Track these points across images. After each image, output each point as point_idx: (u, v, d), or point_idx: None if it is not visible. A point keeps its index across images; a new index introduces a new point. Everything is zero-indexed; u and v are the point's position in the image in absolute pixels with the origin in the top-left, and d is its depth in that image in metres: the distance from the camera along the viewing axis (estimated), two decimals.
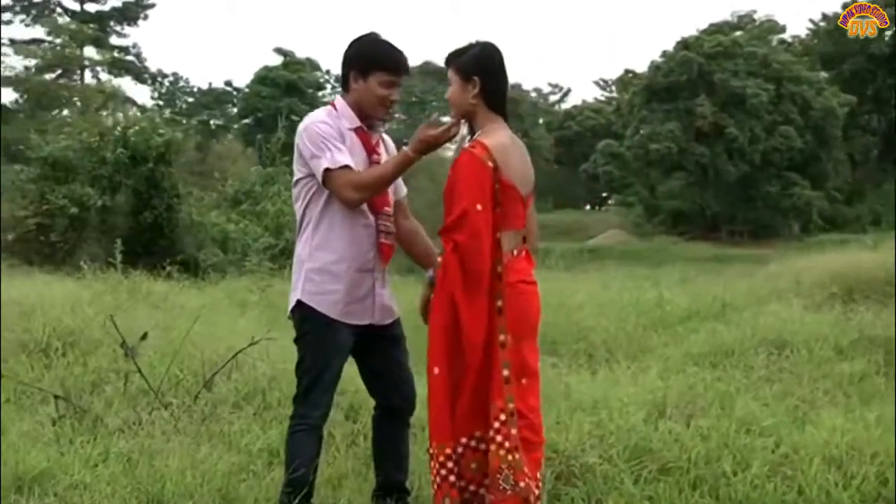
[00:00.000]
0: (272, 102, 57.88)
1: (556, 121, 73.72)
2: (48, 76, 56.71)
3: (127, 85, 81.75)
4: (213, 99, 72.00)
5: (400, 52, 4.12)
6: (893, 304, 9.47)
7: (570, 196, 69.53)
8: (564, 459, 4.91)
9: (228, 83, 72.07)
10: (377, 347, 4.19)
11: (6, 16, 60.99)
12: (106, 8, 61.90)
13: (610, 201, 70.18)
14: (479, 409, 3.74)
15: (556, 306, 9.69)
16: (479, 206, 3.68)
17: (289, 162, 6.14)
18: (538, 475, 3.82)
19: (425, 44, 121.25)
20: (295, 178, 4.17)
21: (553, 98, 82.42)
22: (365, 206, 4.04)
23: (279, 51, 62.61)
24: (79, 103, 51.59)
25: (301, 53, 64.40)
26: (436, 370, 3.73)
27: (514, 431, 3.69)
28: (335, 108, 4.11)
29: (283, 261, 21.29)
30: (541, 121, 73.69)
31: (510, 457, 3.67)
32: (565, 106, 79.38)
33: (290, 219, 22.50)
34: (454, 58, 3.94)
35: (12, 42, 59.53)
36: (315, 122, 4.03)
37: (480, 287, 3.69)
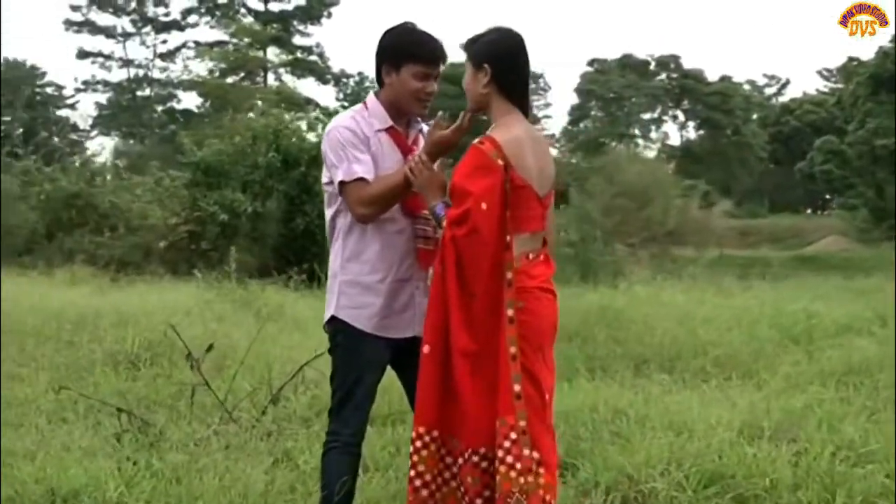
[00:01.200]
0: (454, 102, 57.94)
1: (771, 115, 71.47)
2: (231, 79, 59.35)
3: (310, 86, 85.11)
4: None
5: (435, 41, 4.06)
6: None
7: (788, 198, 67.37)
8: (631, 484, 4.90)
9: None
10: (413, 361, 4.05)
11: (192, 18, 64.47)
12: (290, 7, 64.28)
13: (833, 204, 67.47)
14: (483, 422, 3.68)
15: (680, 319, 9.60)
16: (483, 205, 3.64)
17: None
18: (552, 500, 3.76)
19: (625, 35, 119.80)
20: (323, 183, 4.17)
21: (769, 91, 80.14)
22: (397, 210, 4.01)
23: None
24: (260, 103, 53.62)
25: None
26: (426, 348, 3.74)
27: (526, 452, 3.63)
28: (366, 108, 4.08)
29: None
30: (754, 116, 71.59)
31: (522, 479, 3.61)
32: (783, 99, 77.02)
33: None
34: (468, 45, 3.92)
35: (197, 45, 62.94)
36: (337, 128, 4.00)
37: (475, 291, 3.67)
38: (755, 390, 7.63)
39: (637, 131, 70.76)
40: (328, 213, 4.13)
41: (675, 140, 73.32)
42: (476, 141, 3.78)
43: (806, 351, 9.01)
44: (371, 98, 4.10)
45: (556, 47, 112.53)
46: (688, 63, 70.50)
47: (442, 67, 4.06)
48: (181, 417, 6.51)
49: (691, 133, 73.20)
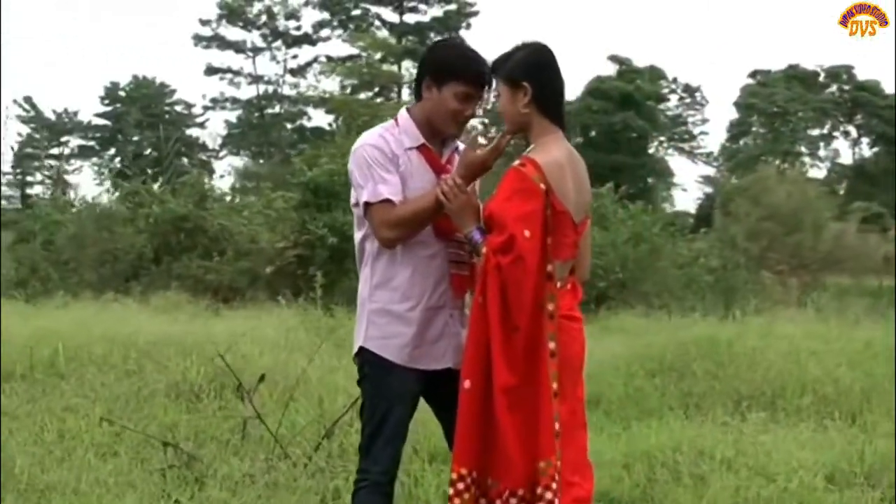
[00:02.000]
0: (604, 118, 58.23)
1: None
2: (363, 95, 60.32)
3: None
4: None
5: (484, 63, 4.10)
6: None
7: None
8: None
9: None
10: (451, 394, 4.05)
11: (325, 32, 65.81)
12: (426, 18, 65.01)
13: None
14: (522, 462, 3.71)
15: (790, 353, 9.52)
16: (526, 233, 3.68)
17: None
18: None
19: (791, 43, 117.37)
20: (351, 205, 4.22)
21: None
22: (429, 233, 4.03)
23: (614, 59, 62.96)
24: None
25: (641, 61, 64.32)
26: (467, 384, 3.75)
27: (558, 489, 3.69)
28: (397, 124, 4.12)
29: None
30: None
31: None
32: None
33: None
34: (500, 65, 3.98)
35: (329, 59, 64.18)
36: (364, 146, 4.04)
37: (519, 325, 3.69)
38: (859, 432, 7.56)
39: (804, 149, 69.17)
40: (357, 236, 4.17)
41: (846, 158, 71.43)
42: (516, 163, 3.82)
43: None
44: (403, 114, 4.16)
45: (714, 58, 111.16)
46: (862, 74, 68.62)
47: (486, 93, 4.14)
48: (233, 452, 6.65)
49: (865, 150, 71.20)
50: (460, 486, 3.75)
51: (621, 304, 19.43)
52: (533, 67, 3.90)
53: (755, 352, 9.81)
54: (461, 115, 4.06)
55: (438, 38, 65.27)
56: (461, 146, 4.20)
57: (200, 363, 8.65)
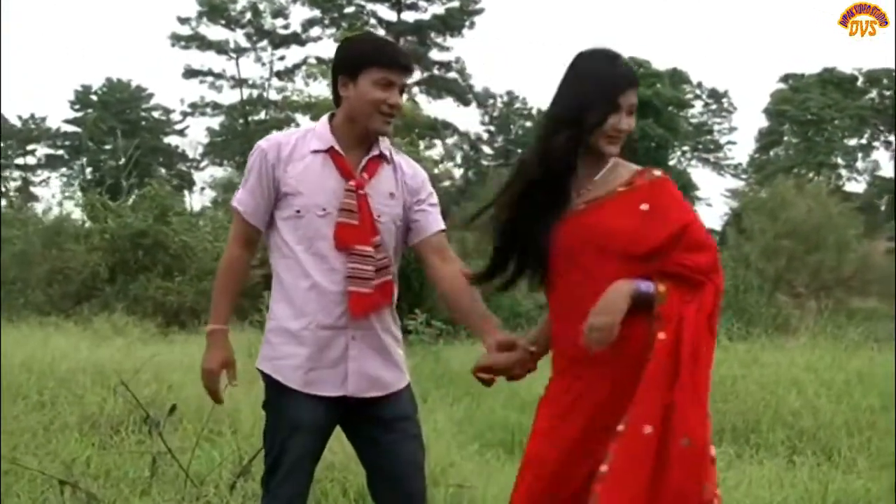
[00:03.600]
0: None
1: None
2: None
3: (448, 108, 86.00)
4: None
5: (396, 46, 4.13)
6: None
7: None
8: None
9: None
10: (363, 431, 4.11)
11: (315, 31, 66.00)
12: (426, 16, 65.19)
13: None
14: None
15: (770, 383, 9.59)
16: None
17: None
18: None
19: (826, 45, 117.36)
20: None
21: None
22: (329, 245, 3.99)
23: (632, 61, 62.76)
24: None
25: (662, 63, 64.41)
26: (648, 429, 3.48)
27: None
28: (314, 129, 4.14)
29: None
30: None
31: None
32: None
33: None
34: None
35: (319, 61, 64.33)
36: (258, 145, 4.13)
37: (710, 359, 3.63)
38: (832, 468, 7.63)
39: (840, 160, 69.24)
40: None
41: (887, 170, 71.39)
42: (658, 174, 3.72)
43: None
44: (322, 119, 4.17)
45: (742, 61, 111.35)
46: None
47: (408, 79, 4.09)
48: (142, 492, 6.68)
49: None
50: None
51: None
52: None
53: (734, 381, 9.87)
54: (383, 103, 3.98)
55: (439, 38, 65.78)
56: (401, 161, 4.20)
57: (122, 393, 8.63)
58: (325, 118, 4.14)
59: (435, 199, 4.25)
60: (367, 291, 3.99)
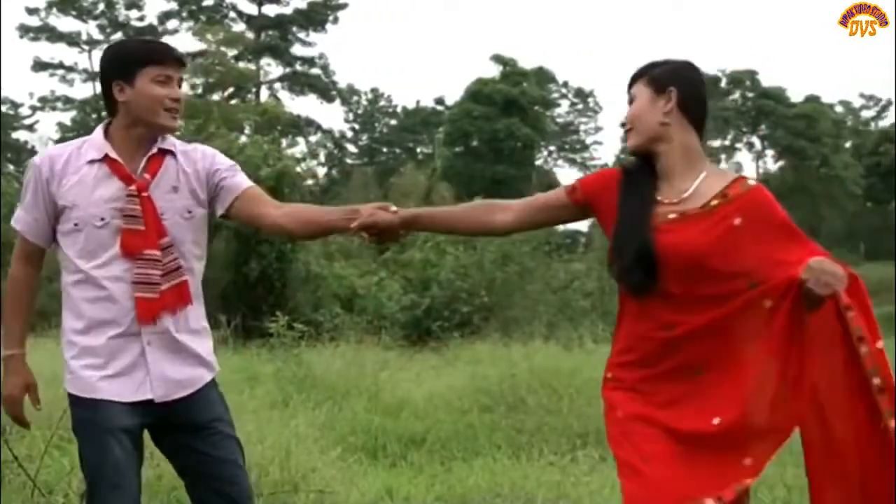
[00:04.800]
0: (486, 124, 58.49)
1: (868, 144, 70.98)
2: (216, 96, 59.89)
3: (311, 105, 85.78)
4: (420, 121, 73.91)
5: (164, 42, 4.19)
6: None
7: (886, 243, 66.86)
8: None
9: (440, 101, 73.92)
10: (176, 439, 4.11)
11: (172, 23, 65.26)
12: (288, 10, 64.96)
13: None
14: None
15: None
16: None
17: None
18: None
19: (690, 46, 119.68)
20: None
21: (866, 114, 79.88)
22: (112, 255, 3.97)
23: (498, 59, 63.37)
24: (247, 129, 54.13)
25: (528, 62, 64.95)
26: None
27: None
28: (89, 140, 4.12)
29: (428, 322, 21.88)
30: (847, 144, 71.21)
31: None
32: (883, 124, 76.58)
33: (438, 270, 22.98)
34: (645, 69, 3.93)
35: None
36: (36, 159, 4.10)
37: None
38: None
39: None
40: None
41: (749, 171, 73.01)
42: (752, 182, 3.72)
43: None
44: (97, 129, 4.14)
45: (608, 60, 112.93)
46: (767, 80, 70.41)
47: (184, 72, 4.11)
48: None
49: (770, 164, 72.92)
50: None
51: (488, 331, 19.56)
52: (681, 73, 3.86)
53: (598, 384, 9.95)
54: (168, 99, 3.99)
55: (302, 33, 65.53)
56: (177, 145, 4.14)
57: None
58: (100, 127, 4.13)
59: (237, 167, 4.24)
60: (154, 297, 3.99)
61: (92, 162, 4.02)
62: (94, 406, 3.95)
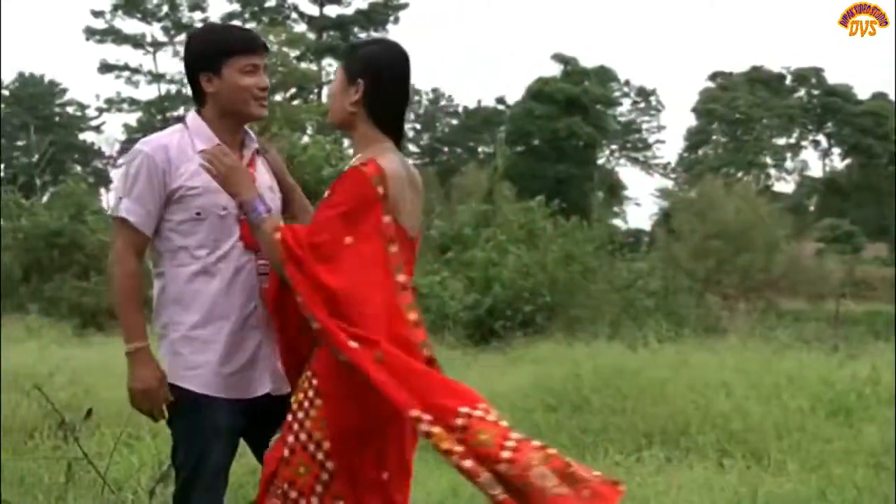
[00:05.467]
0: (547, 123, 58.43)
1: None
2: (278, 96, 60.13)
3: None
4: (482, 120, 73.86)
5: (246, 28, 4.11)
6: None
7: None
8: None
9: (501, 100, 73.89)
10: (263, 431, 4.00)
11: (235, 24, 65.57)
12: (349, 11, 65.17)
13: None
14: None
15: (700, 385, 9.69)
16: (348, 239, 3.66)
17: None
18: None
19: (755, 43, 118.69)
20: None
21: None
22: (234, 245, 3.96)
23: (559, 58, 63.34)
24: (309, 129, 54.26)
25: (589, 61, 64.76)
26: None
27: None
28: (187, 127, 4.05)
29: (491, 322, 21.85)
30: None
31: None
32: None
33: (501, 269, 22.94)
34: (346, 51, 4.00)
35: None
36: (139, 152, 3.98)
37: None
38: (761, 471, 7.75)
39: (769, 159, 70.06)
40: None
41: (816, 170, 72.37)
42: (357, 163, 3.76)
43: (845, 425, 8.99)
44: (192, 115, 4.08)
45: (671, 58, 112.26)
46: (832, 77, 69.87)
47: (266, 59, 4.06)
48: (57, 499, 6.61)
49: (836, 162, 72.18)
50: None
51: (551, 331, 19.51)
52: (374, 67, 3.86)
53: (663, 383, 9.96)
54: (256, 88, 3.97)
55: (362, 33, 65.65)
56: (273, 152, 4.20)
57: (37, 397, 8.54)
58: (193, 115, 4.09)
59: None
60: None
61: (203, 151, 3.95)
62: (209, 403, 3.94)
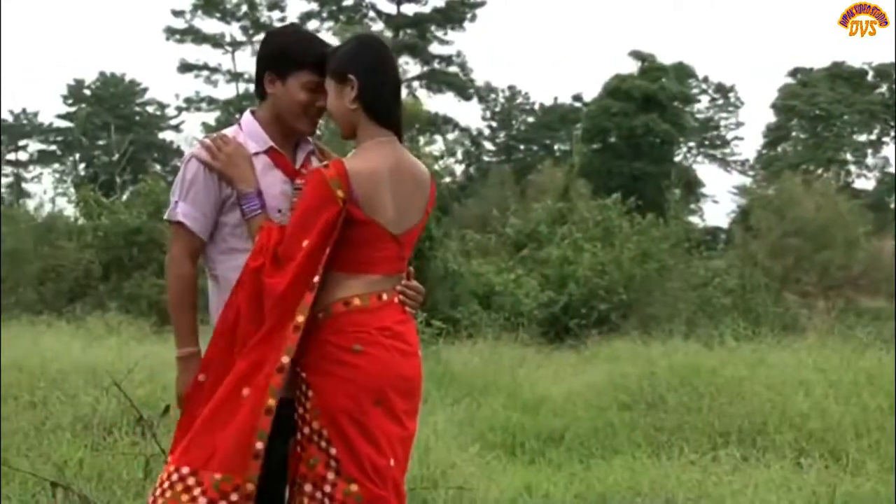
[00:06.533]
0: (624, 120, 57.98)
1: None
2: None
3: (449, 103, 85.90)
4: (558, 118, 73.58)
5: (324, 44, 4.10)
6: None
7: None
8: None
9: (578, 97, 73.48)
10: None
11: (313, 24, 65.95)
12: (426, 9, 65.13)
13: None
14: None
15: (777, 384, 9.63)
16: (305, 243, 3.75)
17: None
18: None
19: (835, 39, 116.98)
20: None
21: None
22: None
23: (636, 55, 62.88)
24: None
25: (667, 58, 64.24)
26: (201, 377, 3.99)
27: None
28: (241, 128, 4.11)
29: (566, 320, 21.82)
30: None
31: None
32: None
33: (576, 267, 22.89)
34: (329, 59, 3.98)
35: None
36: (195, 155, 4.03)
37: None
38: (839, 471, 7.69)
39: (850, 156, 69.08)
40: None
41: None
42: (322, 164, 3.86)
43: None
44: (247, 116, 4.15)
45: (750, 55, 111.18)
46: None
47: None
48: (136, 494, 6.70)
49: None
50: None
51: (626, 329, 19.47)
52: (360, 60, 3.91)
53: (740, 382, 9.89)
54: (312, 107, 4.02)
55: (440, 31, 65.76)
56: (328, 152, 4.20)
57: (115, 394, 8.64)
58: (248, 116, 4.15)
59: None
60: None
61: (257, 154, 4.03)
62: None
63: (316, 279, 3.77)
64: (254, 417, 3.73)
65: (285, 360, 3.75)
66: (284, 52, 4.04)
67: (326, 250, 3.77)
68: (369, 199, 3.79)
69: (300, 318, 3.76)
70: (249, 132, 4.07)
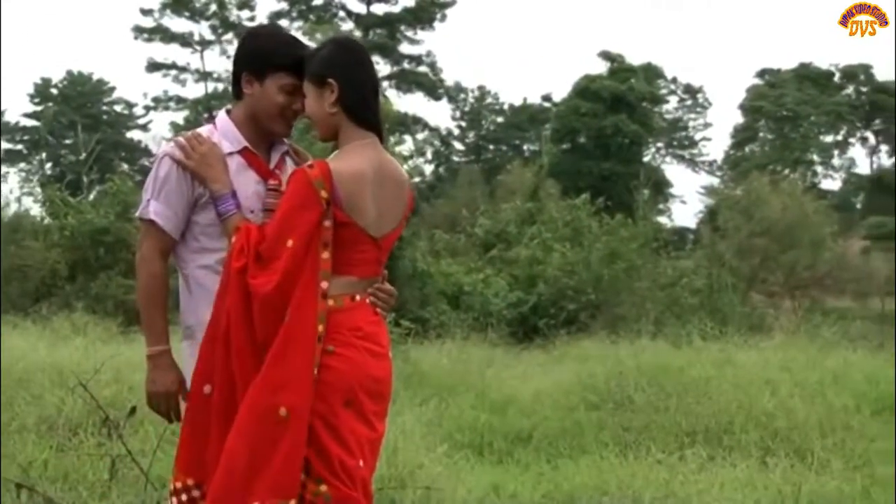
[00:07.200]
0: (593, 121, 58.09)
1: None
2: None
3: (418, 103, 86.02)
4: (527, 118, 73.73)
5: (303, 47, 4.09)
6: None
7: None
8: None
9: (547, 98, 73.62)
10: None
11: (282, 23, 65.76)
12: (396, 9, 65.11)
13: None
14: None
15: (743, 383, 9.70)
16: (289, 243, 3.73)
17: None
18: None
19: (802, 40, 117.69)
20: None
21: None
22: None
23: (605, 55, 63.05)
24: None
25: (636, 58, 64.47)
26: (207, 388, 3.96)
27: None
28: (216, 128, 4.09)
29: (535, 320, 21.87)
30: None
31: None
32: None
33: (545, 267, 22.94)
34: (306, 64, 3.96)
35: None
36: (167, 154, 4.02)
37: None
38: (805, 469, 7.75)
39: (816, 157, 69.43)
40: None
41: (863, 168, 71.70)
42: (306, 164, 3.83)
43: (890, 423, 9.04)
44: (222, 116, 4.14)
45: (718, 56, 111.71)
46: (881, 74, 69.00)
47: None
48: (101, 496, 6.67)
49: (884, 159, 71.50)
50: None
51: (595, 329, 19.54)
52: (339, 63, 3.91)
53: (707, 382, 9.95)
54: (288, 109, 4.01)
55: (409, 31, 65.74)
56: (303, 152, 4.21)
57: (81, 394, 8.61)
58: (222, 115, 4.14)
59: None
60: None
61: (231, 154, 4.02)
62: None
63: (325, 285, 3.77)
64: (301, 440, 3.72)
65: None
66: (263, 54, 4.03)
67: (324, 254, 3.78)
68: (352, 200, 3.79)
69: (320, 328, 3.77)
70: (224, 132, 4.06)
